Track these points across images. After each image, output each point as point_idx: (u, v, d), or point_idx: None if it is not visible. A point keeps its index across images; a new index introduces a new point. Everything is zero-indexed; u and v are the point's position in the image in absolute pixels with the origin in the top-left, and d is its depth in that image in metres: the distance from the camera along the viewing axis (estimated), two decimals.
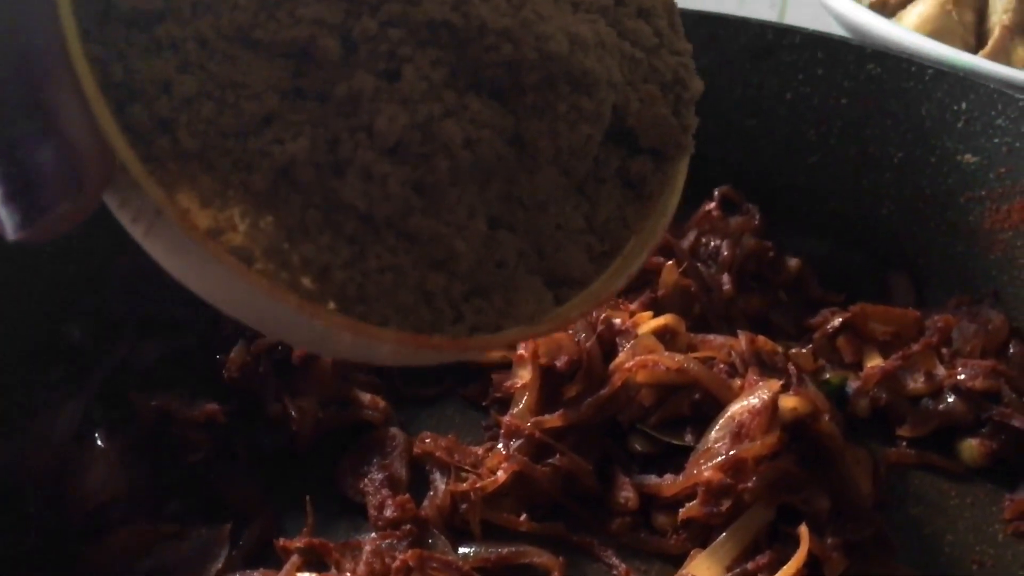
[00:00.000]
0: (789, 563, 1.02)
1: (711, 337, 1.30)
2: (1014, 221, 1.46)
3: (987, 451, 1.30)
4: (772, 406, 1.11)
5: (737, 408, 1.14)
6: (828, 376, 1.39)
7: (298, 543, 1.02)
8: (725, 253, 1.48)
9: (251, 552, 1.10)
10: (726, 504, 1.08)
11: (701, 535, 1.13)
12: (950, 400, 1.33)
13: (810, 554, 1.03)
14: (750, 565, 1.05)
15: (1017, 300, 1.47)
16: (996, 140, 1.45)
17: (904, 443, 1.34)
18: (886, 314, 1.45)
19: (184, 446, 1.18)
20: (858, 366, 1.41)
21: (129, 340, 1.34)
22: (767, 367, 1.23)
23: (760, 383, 1.14)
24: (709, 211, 1.54)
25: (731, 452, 1.09)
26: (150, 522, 1.09)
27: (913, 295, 1.56)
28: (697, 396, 1.20)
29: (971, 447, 1.31)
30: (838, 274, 1.60)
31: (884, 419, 1.36)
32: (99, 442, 1.11)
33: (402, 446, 1.23)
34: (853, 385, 1.37)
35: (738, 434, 1.12)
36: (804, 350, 1.36)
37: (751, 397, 1.14)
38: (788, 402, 1.13)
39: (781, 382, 1.15)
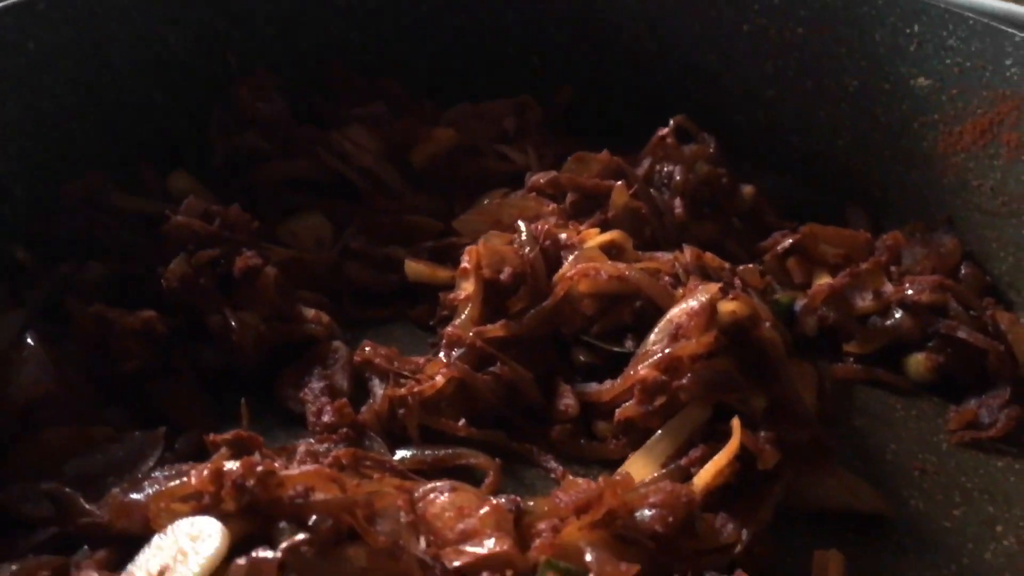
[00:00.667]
0: (720, 453, 1.01)
1: (658, 254, 1.30)
2: (966, 143, 1.46)
3: (933, 365, 1.30)
4: (710, 307, 1.11)
5: (676, 311, 1.14)
6: (777, 296, 1.38)
7: (226, 436, 1.01)
8: (678, 178, 1.48)
9: (185, 455, 1.09)
10: (660, 400, 1.07)
11: (640, 440, 1.12)
12: (897, 316, 1.33)
13: (743, 448, 1.03)
14: (684, 461, 1.05)
15: (970, 224, 1.47)
16: (948, 61, 1.45)
17: (851, 360, 1.33)
18: (836, 236, 1.45)
19: (121, 354, 1.17)
20: (808, 288, 1.41)
21: (74, 261, 1.33)
22: (713, 280, 1.23)
23: (700, 286, 1.14)
24: (664, 138, 1.53)
25: (667, 351, 1.09)
26: (82, 425, 1.08)
27: (869, 226, 1.55)
28: (639, 304, 1.19)
29: (918, 362, 1.31)
30: (795, 208, 1.60)
31: (833, 338, 1.36)
32: (30, 341, 1.10)
33: (344, 359, 1.23)
34: (801, 303, 1.37)
35: (675, 336, 1.11)
36: (751, 265, 1.35)
37: (690, 300, 1.13)
38: (727, 305, 1.12)
39: (720, 285, 1.14)
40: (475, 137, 1.59)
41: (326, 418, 1.14)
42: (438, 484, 0.99)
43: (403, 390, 1.14)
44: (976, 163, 1.45)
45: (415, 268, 1.35)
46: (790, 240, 1.42)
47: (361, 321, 1.35)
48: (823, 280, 1.38)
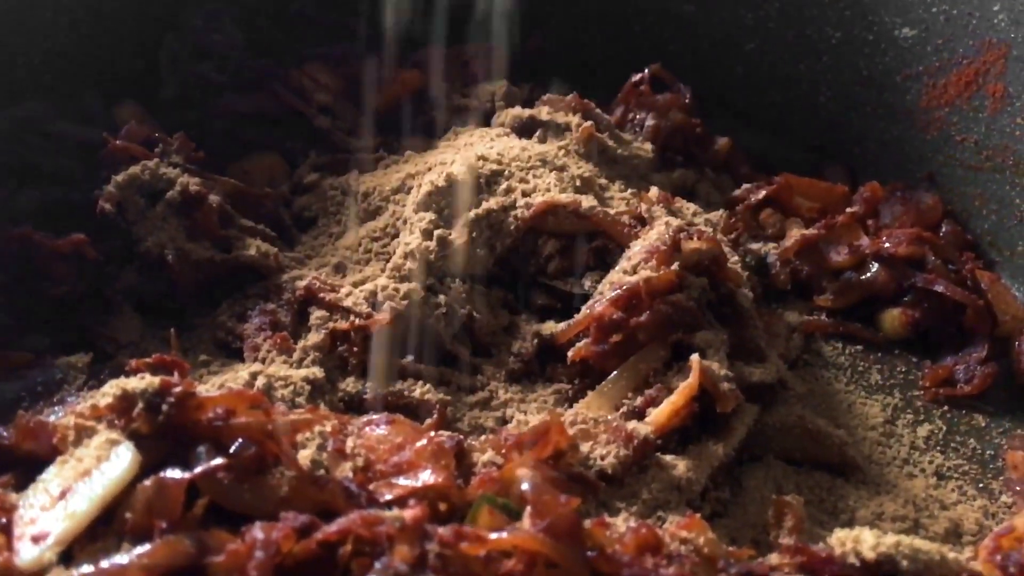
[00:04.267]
0: (676, 393, 0.95)
1: (625, 193, 1.23)
2: (950, 96, 1.40)
3: (909, 320, 1.24)
4: (672, 244, 1.05)
5: (636, 248, 1.07)
6: (750, 245, 1.32)
7: (148, 360, 0.94)
8: (650, 123, 1.42)
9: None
10: (616, 338, 1.00)
11: (596, 382, 1.05)
12: (873, 269, 1.27)
13: (703, 390, 0.96)
14: (639, 401, 0.98)
15: (952, 180, 1.41)
16: (934, 10, 1.39)
17: (824, 314, 1.27)
18: (812, 188, 1.39)
19: (49, 278, 1.10)
20: (781, 240, 1.35)
21: (8, 187, 1.26)
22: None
23: (662, 222, 1.08)
24: (637, 84, 1.47)
25: (624, 287, 1.02)
26: (1, 348, 1.02)
27: (847, 183, 1.49)
28: (598, 243, 1.13)
29: (892, 317, 1.25)
30: (772, 163, 1.53)
31: (806, 291, 1.30)
32: None
33: (291, 295, 1.15)
34: (774, 255, 1.31)
35: (635, 273, 1.05)
36: (721, 212, 1.29)
37: (652, 236, 1.07)
38: (691, 243, 1.06)
39: (683, 222, 1.08)
40: (441, 80, 1.52)
41: (262, 353, 1.07)
42: (375, 416, 0.92)
43: (346, 324, 1.07)
44: (960, 117, 1.39)
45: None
46: (764, 191, 1.36)
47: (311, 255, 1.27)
48: (796, 232, 1.31)
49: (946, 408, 1.17)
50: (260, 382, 0.96)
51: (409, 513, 0.76)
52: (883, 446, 1.09)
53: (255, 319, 1.13)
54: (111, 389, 0.84)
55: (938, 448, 1.11)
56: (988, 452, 1.12)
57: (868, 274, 1.27)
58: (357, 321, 1.07)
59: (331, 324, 1.08)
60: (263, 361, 1.07)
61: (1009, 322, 1.22)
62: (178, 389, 0.83)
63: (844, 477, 1.04)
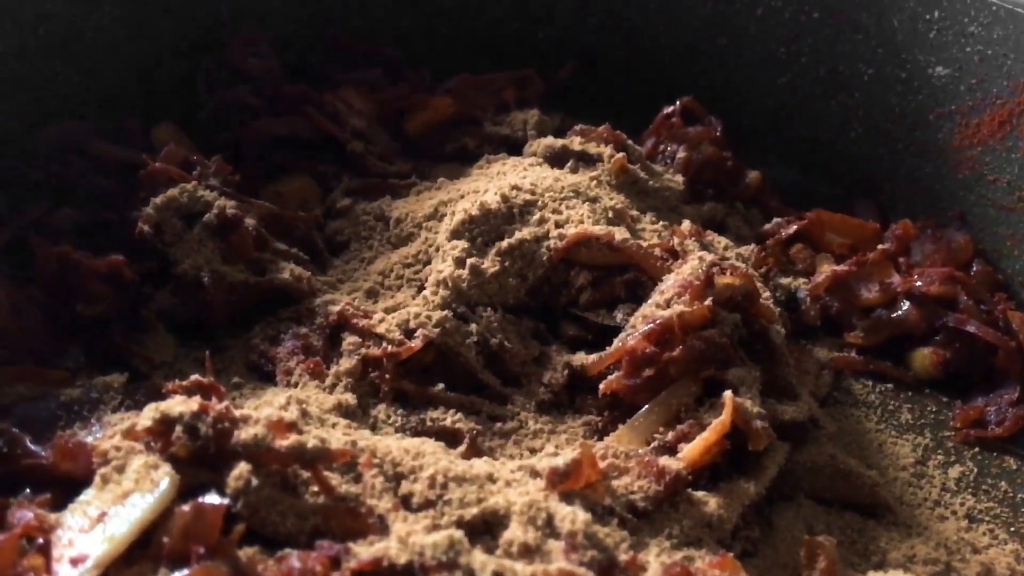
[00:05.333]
0: (709, 429, 0.95)
1: (657, 225, 1.24)
2: (983, 136, 1.40)
3: (940, 360, 1.23)
4: (706, 278, 1.05)
5: (669, 282, 1.08)
6: (781, 280, 1.32)
7: (184, 383, 0.94)
8: (681, 155, 1.42)
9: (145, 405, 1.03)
10: (648, 373, 1.00)
11: (626, 416, 1.05)
12: (904, 307, 1.26)
13: (734, 427, 0.96)
14: (671, 436, 0.98)
15: (984, 220, 1.41)
16: (968, 49, 1.39)
17: (854, 351, 1.27)
18: (844, 224, 1.39)
19: (86, 297, 1.11)
20: (811, 276, 1.34)
21: (46, 205, 1.27)
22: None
23: (695, 256, 1.08)
24: (669, 117, 1.47)
25: (658, 321, 1.02)
26: (37, 366, 1.02)
27: (877, 220, 1.49)
28: (631, 275, 1.13)
29: (923, 356, 1.24)
30: (801, 198, 1.53)
31: (836, 328, 1.30)
32: None
33: (323, 320, 1.16)
34: (804, 291, 1.31)
35: (668, 307, 1.05)
36: (753, 246, 1.29)
37: (685, 271, 1.07)
38: (724, 278, 1.06)
39: (717, 256, 1.08)
40: (473, 107, 1.53)
41: (295, 377, 1.08)
42: (406, 444, 0.92)
43: (379, 351, 1.08)
44: (993, 156, 1.39)
45: None
46: (795, 226, 1.36)
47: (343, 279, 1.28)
48: (827, 268, 1.31)
49: (977, 450, 1.16)
50: (295, 407, 0.96)
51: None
52: (914, 487, 1.09)
53: (288, 343, 1.13)
54: (150, 412, 0.85)
55: (969, 490, 1.10)
56: (1020, 495, 1.11)
57: (899, 312, 1.26)
58: (389, 348, 1.08)
59: (363, 350, 1.09)
60: (295, 385, 1.07)
61: None
62: (217, 413, 0.84)
63: (875, 518, 1.03)
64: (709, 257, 1.07)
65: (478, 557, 0.75)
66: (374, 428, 1.02)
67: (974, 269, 1.36)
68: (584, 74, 1.65)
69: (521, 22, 1.66)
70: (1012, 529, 1.06)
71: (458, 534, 0.76)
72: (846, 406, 1.19)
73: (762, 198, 1.48)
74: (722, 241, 1.23)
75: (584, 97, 1.64)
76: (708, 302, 1.03)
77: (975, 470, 1.13)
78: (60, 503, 0.85)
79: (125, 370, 1.09)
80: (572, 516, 0.79)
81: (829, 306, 1.30)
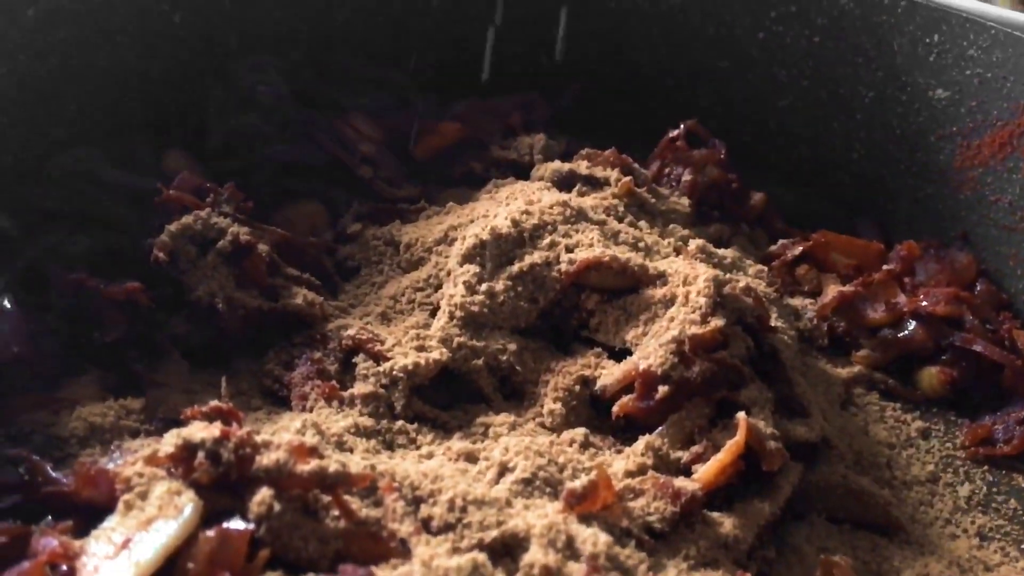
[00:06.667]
0: (723, 450, 0.96)
1: (663, 241, 1.26)
2: (984, 157, 1.42)
3: (947, 379, 1.25)
4: (715, 297, 1.06)
5: (680, 303, 1.09)
6: (786, 302, 1.34)
7: (203, 408, 0.95)
8: (687, 178, 1.44)
9: (164, 431, 1.03)
10: (661, 394, 1.02)
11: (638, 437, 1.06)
12: (911, 327, 1.28)
13: (748, 448, 0.97)
14: (685, 457, 0.99)
15: (986, 240, 1.42)
16: (968, 72, 1.41)
17: (861, 369, 1.28)
18: (849, 245, 1.41)
19: (102, 324, 1.12)
20: (818, 297, 1.36)
21: (60, 232, 1.28)
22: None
23: (705, 277, 1.09)
24: (674, 140, 1.49)
25: (670, 343, 1.04)
26: (54, 394, 1.03)
27: (880, 240, 1.51)
28: (641, 298, 1.14)
29: (931, 375, 1.26)
30: (805, 219, 1.55)
31: (844, 348, 1.31)
32: (6, 304, 1.06)
33: (336, 344, 1.17)
34: (812, 311, 1.32)
35: (679, 329, 1.06)
36: (760, 266, 1.30)
37: (694, 292, 1.08)
38: (734, 297, 1.07)
39: (725, 276, 1.09)
40: (480, 132, 1.55)
41: (310, 402, 1.09)
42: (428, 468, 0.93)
43: (393, 374, 1.09)
44: (994, 177, 1.41)
45: None
46: (801, 247, 1.38)
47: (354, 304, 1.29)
48: (833, 289, 1.33)
49: (986, 468, 1.17)
50: (311, 431, 0.97)
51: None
52: (925, 505, 1.10)
53: (302, 368, 1.14)
54: (172, 438, 0.85)
55: (980, 508, 1.11)
56: None
57: (906, 332, 1.28)
58: (404, 371, 1.09)
59: (378, 373, 1.10)
60: (310, 410, 1.08)
61: None
62: (238, 439, 0.85)
63: (888, 537, 1.04)
64: (720, 277, 1.08)
65: None
66: (391, 450, 1.02)
67: (978, 289, 1.37)
68: (588, 98, 1.67)
69: (524, 46, 1.69)
70: (1023, 547, 1.07)
71: (481, 557, 0.77)
72: (856, 425, 1.20)
73: (767, 219, 1.50)
74: (729, 254, 1.24)
75: (588, 121, 1.66)
76: (719, 322, 1.04)
77: (984, 488, 1.15)
78: (82, 530, 0.86)
79: (140, 395, 1.10)
80: (594, 538, 0.80)
81: (836, 326, 1.31)
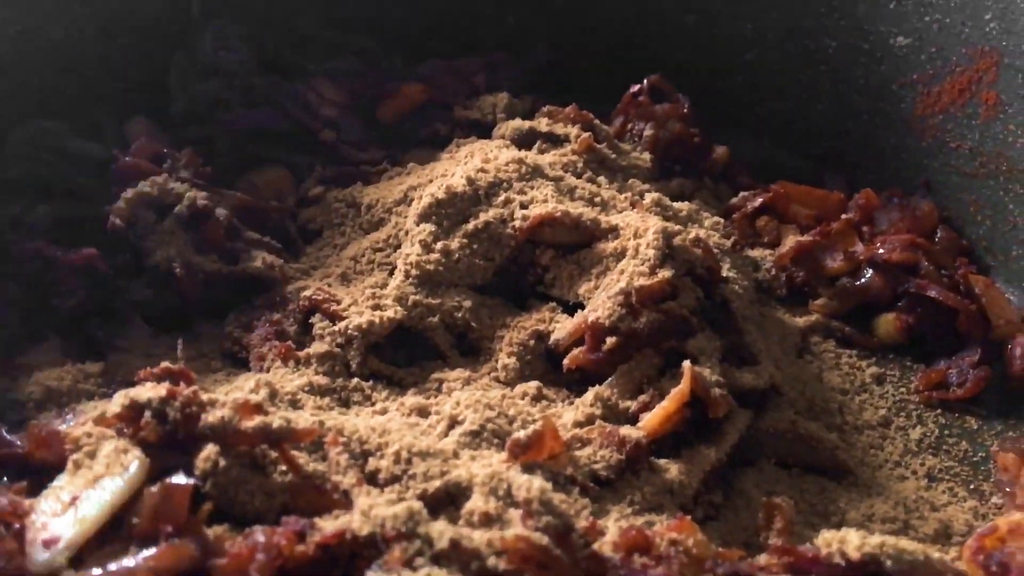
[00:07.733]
0: (668, 399, 0.97)
1: (620, 196, 1.26)
2: (944, 103, 1.41)
3: (903, 325, 1.26)
4: (665, 248, 1.07)
5: (631, 255, 1.10)
6: (747, 253, 1.34)
7: (155, 370, 0.97)
8: (648, 133, 1.44)
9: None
10: (610, 345, 1.03)
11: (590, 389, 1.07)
12: (868, 275, 1.29)
13: (694, 396, 0.98)
14: (633, 406, 1.01)
15: (947, 187, 1.43)
16: (927, 18, 1.41)
17: (819, 319, 1.29)
18: (808, 195, 1.41)
19: (62, 291, 1.13)
20: (778, 247, 1.37)
21: (22, 202, 1.29)
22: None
23: (655, 229, 1.10)
24: (636, 95, 1.49)
25: (618, 293, 1.05)
26: (11, 358, 1.05)
27: (846, 191, 1.51)
28: (594, 252, 1.15)
29: (887, 321, 1.27)
30: (773, 175, 1.54)
31: (803, 298, 1.32)
32: None
33: (295, 305, 1.18)
34: (770, 261, 1.33)
35: (629, 279, 1.07)
36: (717, 219, 1.31)
37: (646, 243, 1.09)
38: (684, 247, 1.08)
39: (678, 227, 1.10)
40: (445, 93, 1.55)
41: (268, 362, 1.10)
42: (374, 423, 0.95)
43: (349, 333, 1.10)
44: (954, 124, 1.41)
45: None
46: (760, 199, 1.38)
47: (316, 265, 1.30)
48: (792, 239, 1.33)
49: (939, 411, 1.19)
50: (264, 390, 0.99)
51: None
52: (876, 449, 1.11)
53: (261, 329, 1.16)
54: (120, 399, 0.87)
55: (930, 451, 1.13)
56: (980, 454, 1.14)
57: (863, 280, 1.29)
58: (358, 329, 1.10)
59: (333, 332, 1.11)
60: (268, 370, 1.10)
61: (1002, 326, 1.24)
62: (184, 398, 0.86)
63: (836, 480, 1.06)
64: (670, 228, 1.09)
65: (437, 526, 0.77)
66: (347, 407, 1.04)
67: (939, 235, 1.38)
68: (555, 57, 1.66)
69: (490, 6, 1.68)
70: (972, 487, 1.09)
71: (417, 505, 0.79)
72: (810, 371, 1.21)
73: (730, 173, 1.50)
74: (685, 207, 1.25)
75: (555, 80, 1.66)
76: (668, 274, 1.05)
77: (936, 431, 1.16)
78: (35, 490, 0.87)
79: (100, 360, 1.11)
80: (528, 484, 0.82)
81: (795, 276, 1.32)
